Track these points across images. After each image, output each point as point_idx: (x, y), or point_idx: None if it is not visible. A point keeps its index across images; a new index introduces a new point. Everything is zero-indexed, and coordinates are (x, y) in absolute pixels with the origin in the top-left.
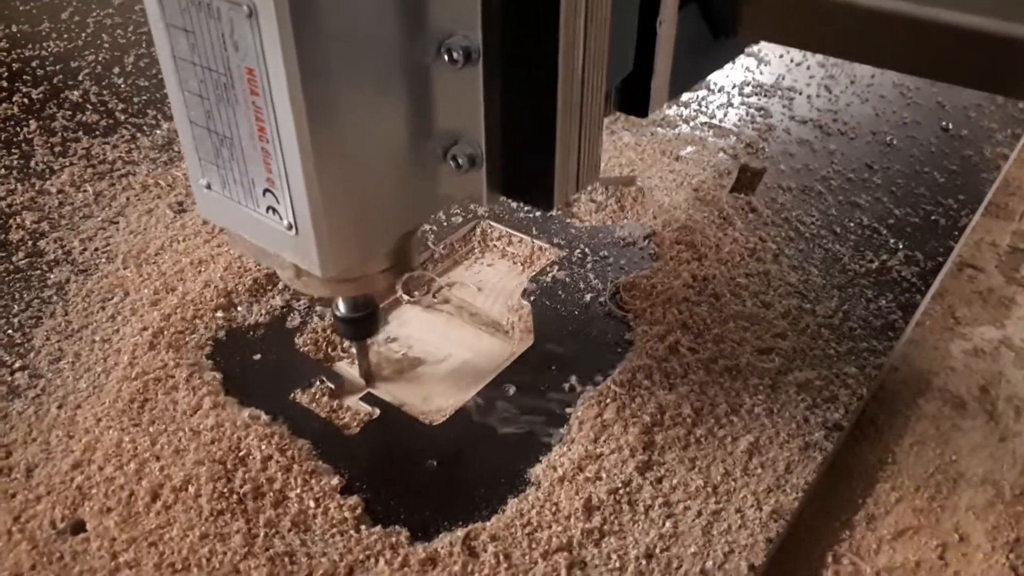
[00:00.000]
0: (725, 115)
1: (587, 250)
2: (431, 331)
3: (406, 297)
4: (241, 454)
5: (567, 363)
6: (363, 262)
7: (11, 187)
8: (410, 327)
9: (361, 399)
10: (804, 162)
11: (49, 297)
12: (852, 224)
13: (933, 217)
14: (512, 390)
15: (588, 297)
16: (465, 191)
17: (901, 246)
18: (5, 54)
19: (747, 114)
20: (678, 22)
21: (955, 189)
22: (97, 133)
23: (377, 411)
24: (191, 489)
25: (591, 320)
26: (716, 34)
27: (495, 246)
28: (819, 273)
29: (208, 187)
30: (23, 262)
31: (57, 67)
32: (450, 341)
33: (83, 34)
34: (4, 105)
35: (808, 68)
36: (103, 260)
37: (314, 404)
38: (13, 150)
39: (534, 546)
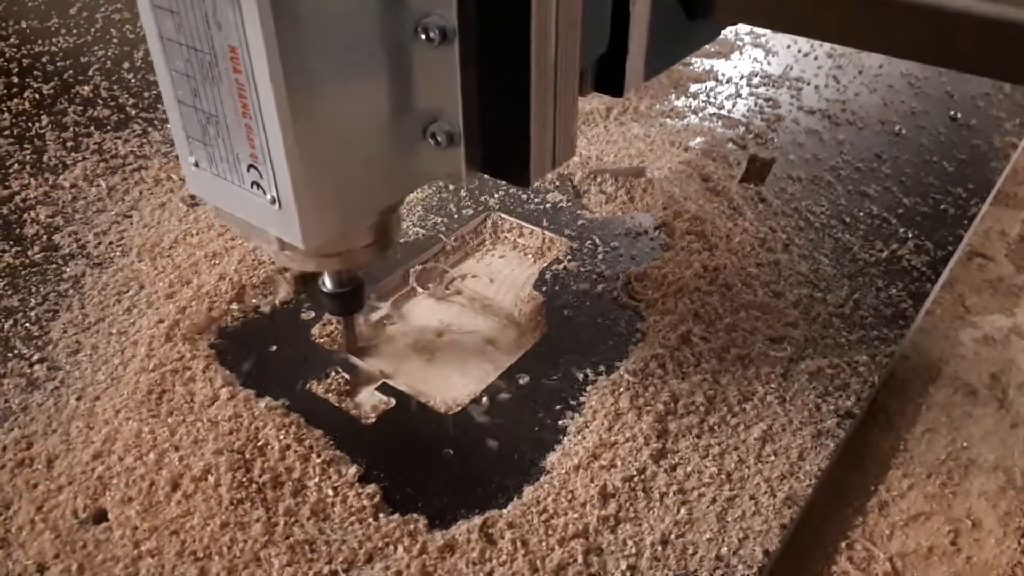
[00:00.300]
0: (734, 106)
1: (598, 241)
2: (444, 322)
3: (420, 289)
4: (259, 444)
5: (580, 353)
6: (344, 235)
7: (25, 182)
8: (423, 318)
9: (376, 389)
10: (813, 152)
11: (65, 290)
12: (862, 214)
13: (942, 206)
14: (525, 380)
15: (600, 287)
16: (444, 168)
17: (911, 235)
18: (15, 50)
19: (756, 105)
20: (652, 2)
21: (964, 178)
22: (108, 128)
23: (392, 401)
24: (211, 479)
25: (603, 310)
26: (692, 15)
27: (506, 238)
28: (829, 262)
29: (196, 165)
30: (38, 256)
31: (67, 62)
32: (463, 332)
33: (92, 29)
34: (15, 100)
35: (816, 59)
36: (118, 253)
37: (330, 394)
38: (26, 145)
39: (551, 533)
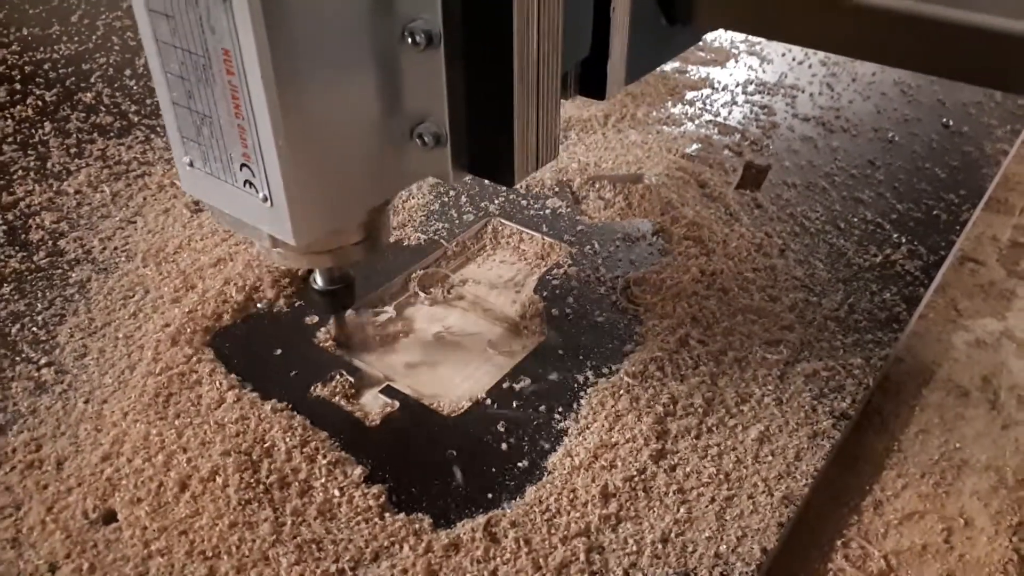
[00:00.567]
0: (729, 113)
1: (597, 246)
2: (446, 326)
3: (422, 294)
4: (266, 446)
5: (580, 356)
6: (334, 233)
7: (29, 188)
8: (426, 322)
9: (380, 392)
10: (808, 159)
11: (71, 295)
12: (856, 219)
13: (935, 212)
14: (527, 382)
15: (599, 292)
16: (432, 168)
17: (904, 240)
18: (17, 57)
19: (751, 112)
20: (633, 8)
21: (956, 184)
22: (112, 134)
23: (396, 404)
24: (219, 480)
25: (602, 314)
26: (672, 21)
27: (506, 243)
28: (824, 267)
29: (191, 164)
30: (44, 261)
31: (69, 70)
32: (465, 335)
33: (93, 37)
34: (18, 107)
35: (810, 67)
36: (123, 259)
37: (335, 397)
38: (29, 152)
39: (553, 531)
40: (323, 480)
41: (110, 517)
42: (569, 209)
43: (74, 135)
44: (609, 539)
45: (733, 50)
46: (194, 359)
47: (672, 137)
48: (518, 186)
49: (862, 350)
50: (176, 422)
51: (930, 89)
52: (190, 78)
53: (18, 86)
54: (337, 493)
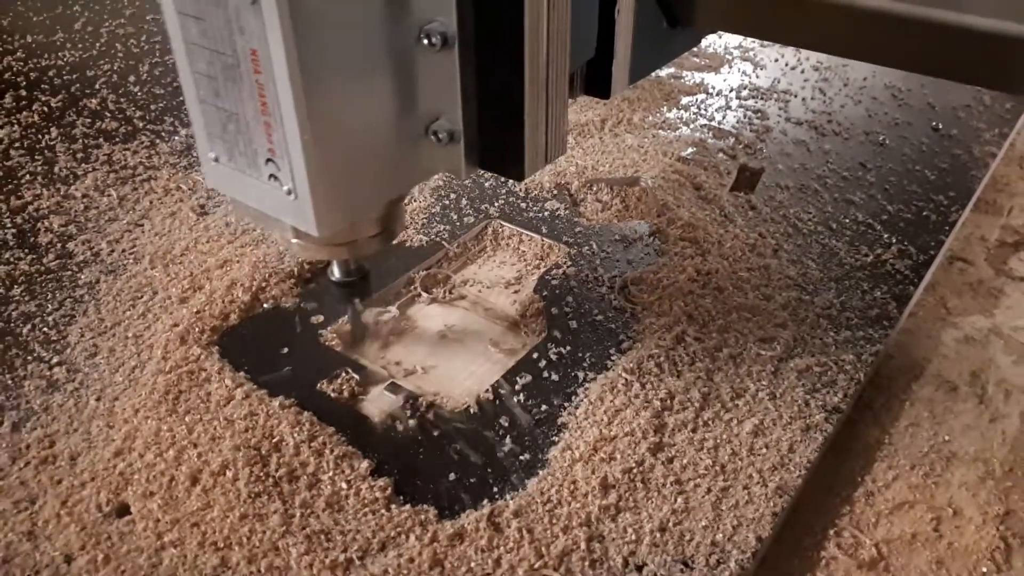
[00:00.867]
0: (724, 117)
1: (595, 247)
2: (448, 325)
3: (424, 294)
4: (275, 441)
5: (579, 353)
6: (354, 225)
7: (37, 192)
8: (428, 322)
9: (385, 389)
10: (801, 162)
11: (81, 296)
12: (847, 220)
13: (925, 213)
14: (527, 379)
15: (597, 291)
16: (445, 164)
17: (894, 241)
18: (22, 64)
19: (745, 116)
20: (636, 11)
21: (945, 186)
22: (117, 139)
23: (401, 400)
24: (229, 473)
25: (601, 313)
26: (672, 23)
27: (507, 244)
28: (817, 267)
29: (216, 160)
30: (54, 263)
31: (74, 76)
32: (467, 334)
33: (97, 44)
34: (25, 113)
35: (803, 72)
36: (130, 261)
37: (341, 394)
38: (37, 156)
39: (555, 521)
40: (331, 473)
41: (123, 510)
42: (567, 211)
43: (80, 140)
44: (609, 528)
45: (727, 56)
46: (203, 357)
47: (668, 141)
48: (517, 189)
49: (854, 347)
50: (186, 418)
51: (920, 93)
52: (218, 77)
53: (24, 92)
54: (344, 486)
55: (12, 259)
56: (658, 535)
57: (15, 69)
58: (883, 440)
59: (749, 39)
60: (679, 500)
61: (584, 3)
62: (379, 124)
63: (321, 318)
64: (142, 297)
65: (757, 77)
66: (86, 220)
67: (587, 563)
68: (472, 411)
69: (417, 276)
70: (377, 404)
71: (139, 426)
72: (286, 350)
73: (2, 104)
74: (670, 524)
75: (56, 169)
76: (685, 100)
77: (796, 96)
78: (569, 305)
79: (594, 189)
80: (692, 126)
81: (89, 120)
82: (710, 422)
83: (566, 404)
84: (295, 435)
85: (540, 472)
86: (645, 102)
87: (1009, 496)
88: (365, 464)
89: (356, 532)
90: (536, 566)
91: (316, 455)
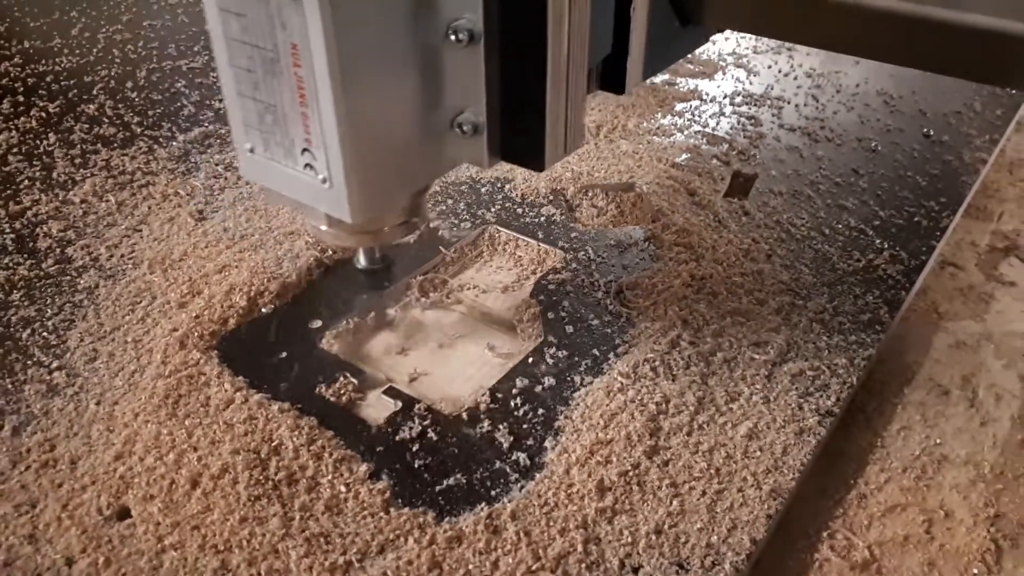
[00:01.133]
0: (717, 124)
1: (591, 252)
2: (446, 329)
3: (422, 298)
4: (274, 444)
5: (575, 357)
6: (385, 213)
7: (36, 197)
8: (426, 326)
9: (384, 393)
10: (794, 168)
11: (80, 301)
12: (840, 226)
13: (916, 219)
14: (524, 383)
15: (593, 296)
16: (469, 155)
17: (886, 246)
18: (19, 69)
19: (738, 123)
20: (650, 9)
21: (937, 192)
22: (115, 145)
23: (399, 404)
24: (228, 477)
25: (597, 317)
26: (684, 22)
27: (503, 249)
28: (810, 272)
29: (251, 151)
30: (53, 268)
31: (71, 82)
32: (464, 339)
33: (94, 50)
34: (23, 119)
35: (796, 79)
36: (129, 266)
37: (339, 398)
38: (35, 162)
39: (552, 524)
40: (330, 477)
41: (124, 513)
42: (563, 217)
43: (78, 146)
44: (605, 531)
45: (721, 63)
46: (202, 362)
47: (662, 147)
48: (514, 195)
49: (846, 351)
50: (186, 422)
51: (911, 100)
52: (257, 70)
53: (21, 98)
54: (343, 489)
55: (11, 264)
56: (654, 537)
57: (12, 75)
58: (875, 443)
59: (743, 47)
60: (674, 503)
61: (602, 1)
62: (409, 116)
63: (319, 323)
64: (141, 302)
65: (751, 84)
66: (85, 225)
67: (584, 565)
68: (469, 415)
69: (415, 280)
70: (376, 408)
71: (139, 430)
72: (285, 354)
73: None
74: (666, 526)
75: (54, 174)
76: (679, 106)
77: (789, 103)
78: (565, 310)
79: (590, 195)
80: (686, 132)
81: (87, 126)
82: (705, 425)
83: (562, 408)
84: (294, 439)
85: (537, 475)
86: (640, 108)
87: (1000, 498)
88: (364, 467)
89: (355, 535)
90: (533, 568)
91: (315, 458)
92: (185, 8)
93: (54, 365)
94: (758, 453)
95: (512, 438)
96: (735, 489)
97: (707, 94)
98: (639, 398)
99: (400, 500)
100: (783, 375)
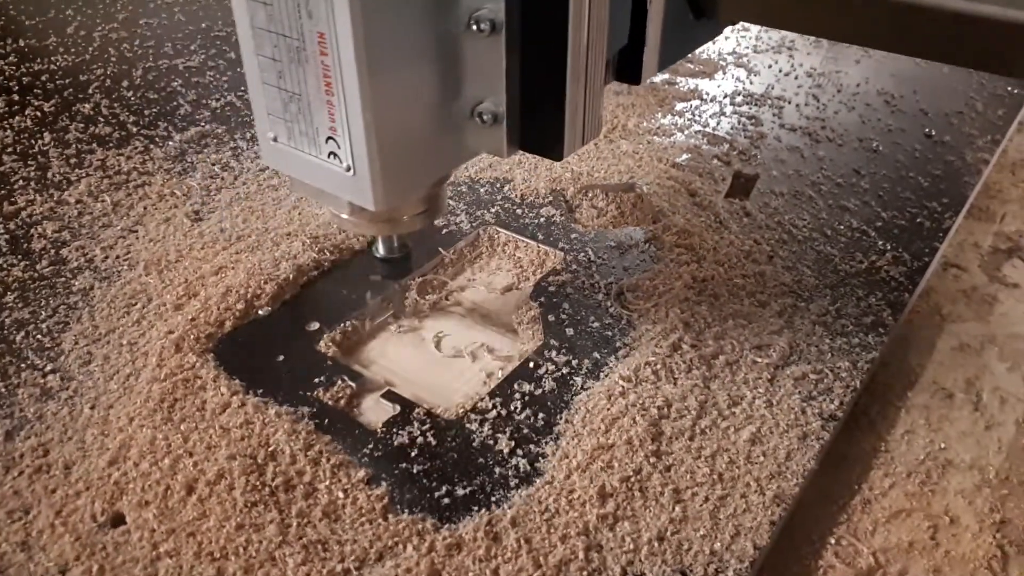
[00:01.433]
0: (718, 124)
1: (591, 254)
2: (445, 331)
3: (421, 300)
4: (271, 449)
5: (575, 360)
6: (406, 201)
7: (30, 197)
8: (425, 328)
9: (382, 397)
10: (795, 168)
11: (75, 303)
12: (842, 227)
13: (918, 220)
14: (524, 386)
15: (593, 298)
16: (488, 145)
17: (889, 247)
18: (14, 68)
19: (739, 123)
20: (666, 2)
21: (939, 193)
22: (111, 145)
23: (398, 408)
24: (224, 483)
25: (597, 320)
26: (697, 15)
27: (503, 251)
28: (812, 273)
29: (275, 139)
30: (47, 270)
31: (67, 80)
32: (463, 341)
33: (90, 48)
34: (17, 118)
35: (796, 78)
36: (125, 267)
37: (337, 402)
38: (30, 162)
39: (552, 531)
40: (327, 482)
41: (118, 520)
42: (563, 218)
43: (73, 145)
44: (607, 538)
45: (721, 62)
46: (198, 365)
47: (663, 147)
48: (513, 195)
49: (849, 354)
50: (182, 427)
51: (912, 100)
52: (282, 59)
53: (16, 97)
54: (341, 495)
55: (5, 265)
56: (656, 544)
57: (7, 73)
58: (879, 447)
59: (743, 46)
60: (677, 509)
61: None
62: (430, 105)
63: (316, 325)
64: (136, 304)
65: (751, 83)
66: (80, 226)
67: (585, 573)
68: (469, 419)
69: (413, 282)
70: (374, 412)
71: (134, 435)
72: (282, 357)
73: None
74: (668, 533)
75: (49, 174)
76: (680, 106)
77: (790, 102)
78: (565, 312)
79: (589, 195)
80: (687, 132)
81: (82, 125)
82: (707, 430)
83: (563, 412)
84: (291, 444)
85: (538, 481)
86: (640, 108)
87: (1005, 504)
88: (362, 473)
89: (353, 542)
90: None
91: (313, 464)
92: (182, 7)
93: (48, 368)
94: (761, 458)
95: (512, 443)
96: (738, 495)
97: (707, 94)
98: (640, 402)
99: (399, 506)
100: (786, 378)
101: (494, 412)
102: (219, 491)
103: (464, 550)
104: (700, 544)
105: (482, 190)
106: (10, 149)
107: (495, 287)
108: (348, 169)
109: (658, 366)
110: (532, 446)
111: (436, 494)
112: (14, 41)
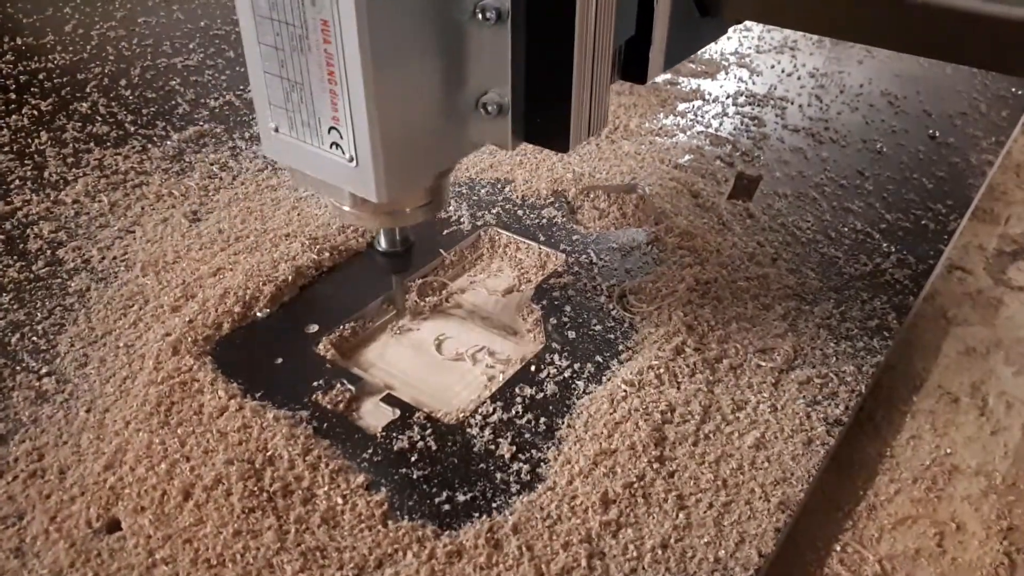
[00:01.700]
0: (721, 124)
1: (593, 255)
2: (445, 334)
3: (421, 302)
4: (269, 454)
5: (577, 364)
6: (410, 193)
7: (27, 197)
8: (425, 331)
9: (381, 401)
10: (798, 169)
11: (71, 305)
12: (846, 229)
13: (923, 222)
14: (526, 390)
15: (595, 300)
16: (493, 136)
17: (893, 250)
18: (11, 67)
19: (742, 123)
20: (672, 0)
21: (943, 195)
22: (108, 144)
23: (397, 412)
24: (222, 488)
25: (599, 322)
26: (703, 12)
27: (504, 253)
28: (816, 276)
29: (276, 129)
30: (43, 271)
31: (64, 79)
32: (464, 344)
33: (88, 47)
34: (14, 117)
35: (799, 79)
36: (122, 268)
37: (336, 406)
38: (26, 161)
39: (555, 538)
40: (326, 488)
41: (114, 526)
42: (565, 219)
43: (71, 145)
44: (610, 545)
45: (723, 62)
46: (195, 368)
47: (665, 148)
48: (514, 196)
49: (854, 357)
50: (178, 431)
51: (916, 101)
52: (284, 48)
53: (13, 95)
54: (340, 501)
55: (1, 266)
56: (660, 552)
57: (4, 72)
58: (885, 453)
59: (745, 46)
60: (681, 516)
61: None
62: (435, 95)
63: (315, 328)
64: (133, 306)
65: (754, 84)
66: (76, 226)
67: None
68: (469, 424)
69: (413, 284)
70: (373, 416)
71: (130, 439)
72: (280, 360)
73: None
74: (672, 540)
75: (46, 174)
76: (682, 107)
77: (793, 103)
78: (567, 315)
79: (591, 196)
80: (689, 133)
81: (80, 124)
82: (711, 435)
83: (565, 416)
84: (289, 448)
85: (539, 487)
86: (641, 109)
87: (1012, 510)
88: (361, 478)
89: (352, 549)
90: None
91: (311, 469)
92: (180, 5)
93: (43, 371)
94: (766, 464)
95: (513, 448)
96: (742, 501)
97: (710, 94)
98: (643, 406)
99: (399, 512)
100: (790, 383)
101: (495, 416)
102: (216, 497)
103: (465, 557)
104: (704, 551)
105: (483, 191)
106: (6, 148)
107: (496, 289)
108: (351, 160)
109: (661, 370)
110: (534, 451)
111: (436, 500)
112: (11, 39)
